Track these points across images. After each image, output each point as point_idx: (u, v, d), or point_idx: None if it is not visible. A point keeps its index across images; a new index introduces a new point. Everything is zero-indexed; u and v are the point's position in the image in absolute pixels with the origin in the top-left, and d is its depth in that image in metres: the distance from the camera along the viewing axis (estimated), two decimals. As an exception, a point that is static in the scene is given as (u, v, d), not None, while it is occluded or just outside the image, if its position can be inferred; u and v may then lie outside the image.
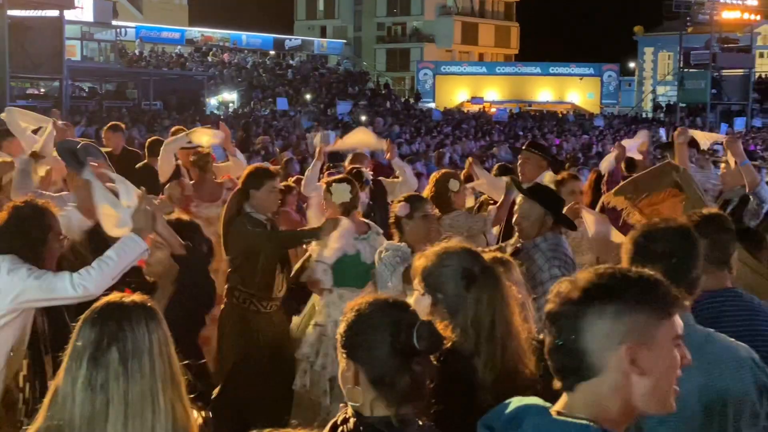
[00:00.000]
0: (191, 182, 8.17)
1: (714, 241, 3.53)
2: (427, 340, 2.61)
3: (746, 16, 53.64)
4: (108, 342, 2.53)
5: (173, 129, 12.16)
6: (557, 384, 2.10)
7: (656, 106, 61.88)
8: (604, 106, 67.26)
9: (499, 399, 3.13)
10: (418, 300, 3.23)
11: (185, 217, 5.14)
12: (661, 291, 2.06)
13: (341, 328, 2.70)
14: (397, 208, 5.66)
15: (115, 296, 2.69)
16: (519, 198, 5.49)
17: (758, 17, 56.53)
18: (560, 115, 54.45)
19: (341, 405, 2.75)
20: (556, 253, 5.18)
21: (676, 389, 2.07)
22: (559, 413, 2.06)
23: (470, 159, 8.85)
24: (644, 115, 59.23)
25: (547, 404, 2.12)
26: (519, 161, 7.99)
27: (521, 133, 34.29)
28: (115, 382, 2.51)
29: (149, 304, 2.67)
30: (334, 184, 6.53)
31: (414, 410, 2.65)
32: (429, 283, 3.32)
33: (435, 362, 2.70)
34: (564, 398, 2.09)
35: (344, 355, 2.68)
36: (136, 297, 2.69)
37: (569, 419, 2.01)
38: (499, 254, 3.76)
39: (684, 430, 2.83)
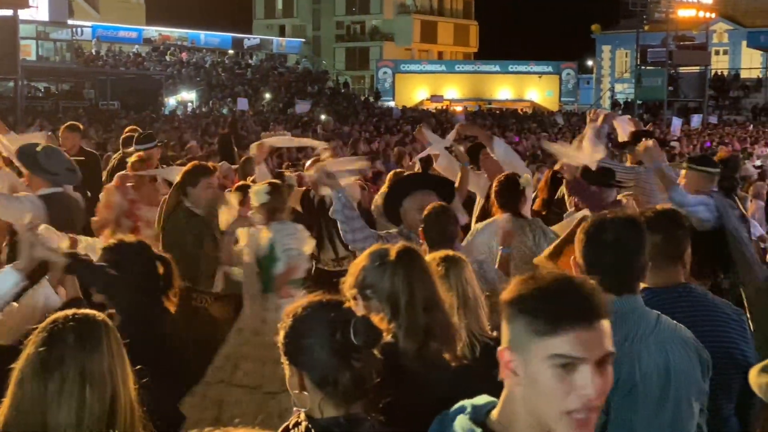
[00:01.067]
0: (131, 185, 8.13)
1: (667, 236, 3.55)
2: (364, 335, 2.61)
3: (702, 14, 54.16)
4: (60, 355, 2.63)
5: (127, 129, 12.08)
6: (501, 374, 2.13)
7: (614, 104, 62.34)
8: (563, 103, 67.74)
9: (429, 367, 3.12)
10: None
11: (130, 238, 4.43)
12: (551, 305, 1.98)
13: (281, 335, 2.68)
14: None
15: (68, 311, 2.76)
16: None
17: (713, 15, 57.15)
18: (520, 113, 54.75)
19: (294, 409, 2.73)
20: None
21: (578, 419, 1.95)
22: (481, 422, 2.07)
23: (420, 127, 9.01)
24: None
25: (493, 401, 2.13)
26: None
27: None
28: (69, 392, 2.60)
29: (101, 318, 2.76)
30: (253, 187, 6.75)
31: (364, 408, 2.64)
32: (356, 284, 3.35)
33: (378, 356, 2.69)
34: (500, 399, 2.12)
35: (287, 362, 2.67)
36: (89, 311, 2.78)
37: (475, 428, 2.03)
38: (452, 252, 3.76)
39: (647, 407, 2.87)
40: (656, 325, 3.06)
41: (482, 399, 2.16)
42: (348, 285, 3.37)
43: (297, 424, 2.68)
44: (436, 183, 5.90)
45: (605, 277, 3.11)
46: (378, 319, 2.69)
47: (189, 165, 7.17)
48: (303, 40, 75.57)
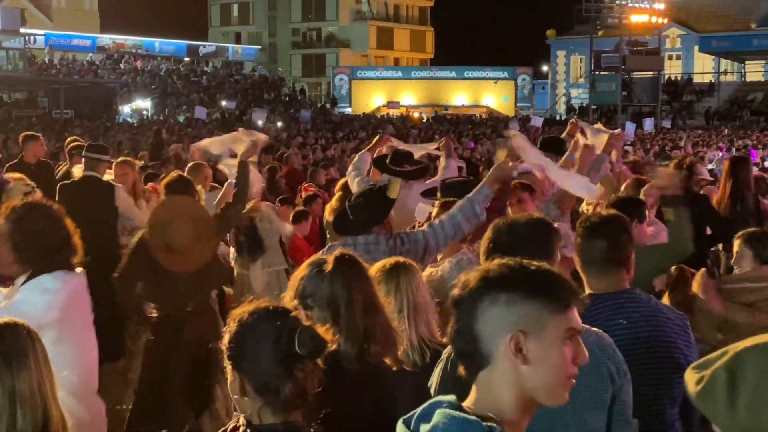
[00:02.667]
0: None
1: (612, 242, 3.56)
2: (309, 346, 2.60)
3: (654, 19, 54.73)
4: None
5: (71, 139, 12.00)
6: (461, 370, 2.14)
7: (570, 109, 62.85)
8: (519, 109, 68.15)
9: (369, 370, 3.12)
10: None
11: None
12: (556, 284, 2.10)
13: (225, 339, 2.67)
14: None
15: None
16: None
17: (666, 20, 57.76)
18: (476, 119, 54.96)
19: (234, 414, 2.72)
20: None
21: (572, 381, 2.09)
22: (461, 408, 2.05)
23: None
24: (558, 118, 60.11)
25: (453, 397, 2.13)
26: None
27: (437, 137, 34.44)
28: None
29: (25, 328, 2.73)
30: None
31: (304, 416, 2.63)
32: (296, 295, 3.34)
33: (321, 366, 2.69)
34: (473, 391, 2.12)
35: (230, 366, 2.66)
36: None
37: (465, 416, 2.01)
38: (402, 259, 3.77)
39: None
40: None
41: (446, 397, 2.15)
42: (289, 297, 3.37)
43: (235, 429, 2.69)
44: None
45: None
46: (323, 330, 2.69)
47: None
48: (259, 47, 75.36)
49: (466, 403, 2.10)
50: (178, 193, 6.61)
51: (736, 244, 5.26)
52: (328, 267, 3.38)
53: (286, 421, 2.60)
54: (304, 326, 2.65)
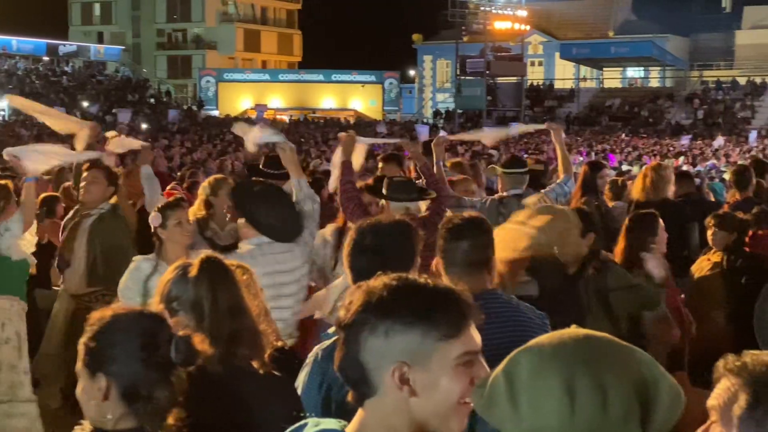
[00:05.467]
0: None
1: (473, 243, 3.60)
2: (184, 354, 2.54)
3: (517, 26, 56.07)
4: None
5: None
6: (349, 396, 2.03)
7: (436, 113, 63.70)
8: (387, 112, 68.68)
9: (235, 373, 3.07)
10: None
11: None
12: (443, 309, 1.93)
13: (86, 338, 2.56)
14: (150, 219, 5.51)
15: None
16: None
17: (528, 27, 59.24)
18: (343, 122, 55.15)
19: (76, 425, 2.61)
20: None
21: (470, 406, 1.91)
22: None
23: None
24: (425, 122, 60.89)
25: (344, 424, 2.05)
26: None
27: (303, 140, 34.43)
28: None
29: None
30: None
31: (166, 423, 2.56)
32: (162, 299, 3.27)
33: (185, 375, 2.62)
34: (358, 415, 2.02)
35: (89, 368, 2.55)
36: None
37: None
38: (236, 262, 3.73)
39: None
40: None
41: (335, 422, 2.08)
42: (156, 302, 3.29)
43: None
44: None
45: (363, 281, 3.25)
46: (199, 340, 2.63)
47: None
48: (123, 47, 73.77)
49: (350, 429, 2.01)
50: None
51: None
52: (193, 270, 3.31)
53: (143, 428, 2.52)
54: (181, 334, 2.59)
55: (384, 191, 5.93)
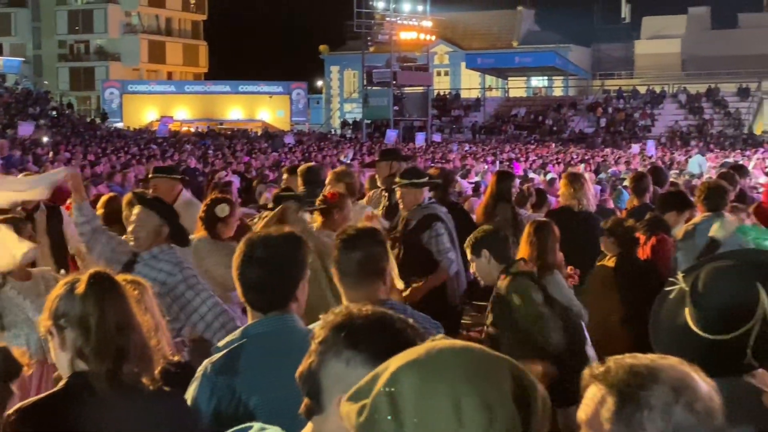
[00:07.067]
0: None
1: (366, 254, 3.64)
2: (1, 368, 2.50)
3: (422, 36, 56.49)
4: None
5: None
6: (302, 407, 2.03)
7: (344, 123, 63.85)
8: (294, 123, 68.52)
9: (122, 390, 3.04)
10: None
11: None
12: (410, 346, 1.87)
13: None
14: None
15: None
16: (135, 208, 5.47)
17: (434, 38, 59.76)
18: (251, 133, 54.85)
19: None
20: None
21: None
22: None
23: None
24: (333, 132, 60.94)
25: None
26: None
27: (211, 152, 34.12)
28: None
29: None
30: None
31: None
32: (50, 316, 3.21)
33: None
34: (306, 429, 2.04)
35: None
36: None
37: None
38: (130, 276, 3.68)
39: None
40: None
41: (273, 429, 2.07)
42: (44, 318, 3.23)
43: None
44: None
45: (253, 294, 3.25)
46: (19, 353, 2.59)
47: None
48: (23, 59, 72.11)
49: None
50: None
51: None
52: (81, 286, 3.26)
53: None
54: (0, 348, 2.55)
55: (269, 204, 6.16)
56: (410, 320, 2.02)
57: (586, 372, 1.85)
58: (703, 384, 1.87)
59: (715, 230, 6.44)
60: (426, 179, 7.34)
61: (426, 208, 7.20)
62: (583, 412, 1.82)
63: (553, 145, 44.36)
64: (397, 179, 7.36)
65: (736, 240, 6.22)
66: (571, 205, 7.79)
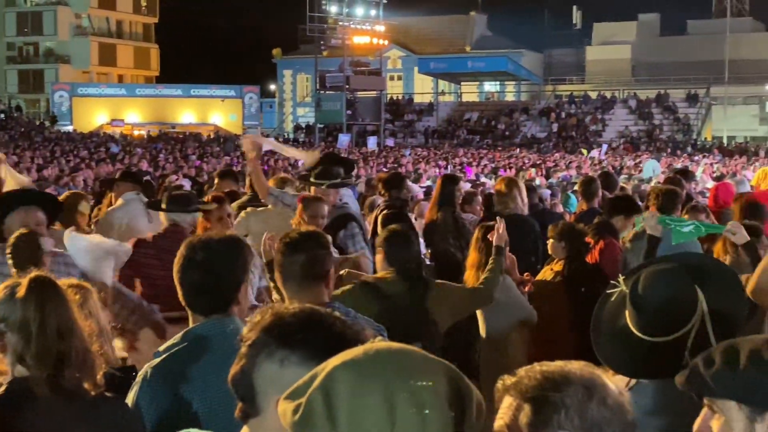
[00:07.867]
0: None
1: (310, 256, 3.63)
2: None
3: (375, 41, 56.55)
4: None
5: None
6: (237, 411, 2.00)
7: (297, 127, 63.71)
8: (247, 127, 68.17)
9: (64, 395, 3.01)
10: None
11: None
12: (347, 347, 1.80)
13: None
14: None
15: None
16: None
17: (387, 42, 59.86)
18: (203, 137, 54.56)
19: None
20: None
21: None
22: None
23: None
24: (286, 136, 60.76)
25: None
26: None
27: (162, 156, 33.86)
28: None
29: None
30: None
31: None
32: None
33: None
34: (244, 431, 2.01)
35: None
36: None
37: None
38: (76, 281, 3.63)
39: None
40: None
41: None
42: None
43: None
44: (42, 198, 5.84)
45: (193, 297, 3.24)
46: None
47: None
48: (-31, 61, 71.27)
49: None
50: None
51: None
52: (21, 290, 3.21)
53: None
54: None
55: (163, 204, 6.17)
56: (338, 313, 2.01)
57: (499, 384, 1.90)
58: (611, 383, 1.95)
59: (638, 224, 6.46)
60: (338, 180, 7.30)
61: (341, 208, 7.24)
62: (501, 421, 1.85)
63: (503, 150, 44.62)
64: (311, 180, 7.29)
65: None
66: (498, 210, 7.81)
